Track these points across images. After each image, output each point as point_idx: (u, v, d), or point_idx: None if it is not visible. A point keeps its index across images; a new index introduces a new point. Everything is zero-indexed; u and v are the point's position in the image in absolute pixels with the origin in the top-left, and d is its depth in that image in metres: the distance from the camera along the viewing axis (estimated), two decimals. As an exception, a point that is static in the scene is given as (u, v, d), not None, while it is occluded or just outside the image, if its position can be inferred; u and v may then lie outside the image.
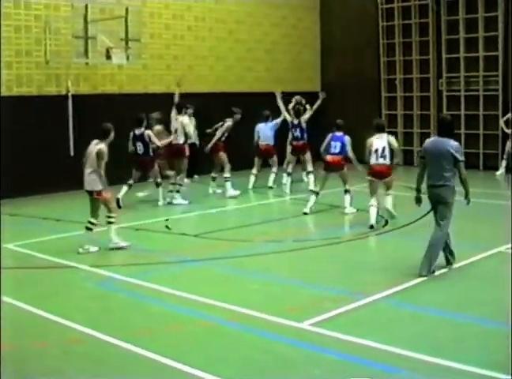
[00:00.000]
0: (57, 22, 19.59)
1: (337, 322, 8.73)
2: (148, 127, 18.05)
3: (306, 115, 19.93)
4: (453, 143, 10.98)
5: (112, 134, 13.38)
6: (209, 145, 19.33)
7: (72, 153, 19.75)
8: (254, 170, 20.30)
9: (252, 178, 20.13)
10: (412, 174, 18.52)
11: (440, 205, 11.10)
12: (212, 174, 19.73)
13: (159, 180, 17.48)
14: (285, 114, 19.91)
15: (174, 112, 18.72)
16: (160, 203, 17.59)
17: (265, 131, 20.21)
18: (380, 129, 15.15)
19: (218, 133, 19.23)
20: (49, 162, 19.31)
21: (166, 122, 19.06)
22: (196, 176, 22.47)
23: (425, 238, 13.33)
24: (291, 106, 20.46)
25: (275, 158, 20.28)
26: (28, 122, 18.88)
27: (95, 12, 19.82)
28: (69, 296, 10.31)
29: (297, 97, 20.90)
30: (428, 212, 15.95)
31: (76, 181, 19.02)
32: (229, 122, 19.26)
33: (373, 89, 26.58)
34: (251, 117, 20.06)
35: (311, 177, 19.11)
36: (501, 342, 7.93)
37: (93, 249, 12.86)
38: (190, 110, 21.92)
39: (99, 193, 12.84)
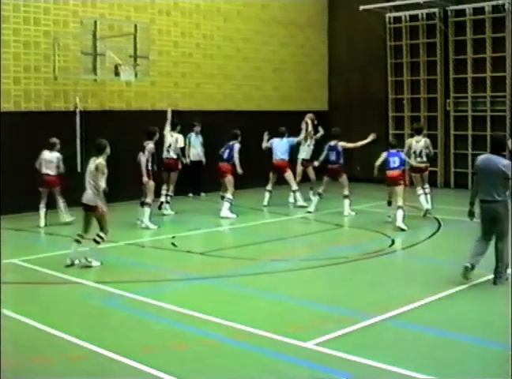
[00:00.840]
0: (66, 38, 19.69)
1: (342, 342, 8.69)
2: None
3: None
4: (504, 161, 11.29)
5: (108, 149, 13.32)
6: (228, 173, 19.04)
7: (79, 169, 19.77)
8: (269, 187, 20.52)
9: (267, 195, 20.33)
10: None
11: (494, 220, 11.42)
12: (221, 193, 19.60)
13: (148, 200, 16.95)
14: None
15: (167, 128, 19.37)
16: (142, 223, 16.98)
17: (279, 146, 20.30)
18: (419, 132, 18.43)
19: (237, 160, 18.88)
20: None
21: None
22: (203, 194, 22.48)
23: (430, 258, 13.37)
24: (304, 126, 20.70)
25: (288, 174, 20.20)
26: (35, 138, 18.91)
27: (104, 28, 19.90)
28: (73, 312, 10.29)
29: (310, 115, 20.86)
30: (434, 234, 16.02)
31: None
32: (238, 145, 19.02)
33: (380, 109, 26.61)
34: (259, 135, 20.06)
35: (347, 201, 18.82)
36: (504, 364, 7.89)
37: (95, 263, 12.86)
38: (198, 128, 22.00)
39: (95, 208, 12.80)
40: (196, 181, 22.22)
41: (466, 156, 24.57)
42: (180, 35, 23.07)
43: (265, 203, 20.31)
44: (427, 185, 18.47)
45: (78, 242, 13.13)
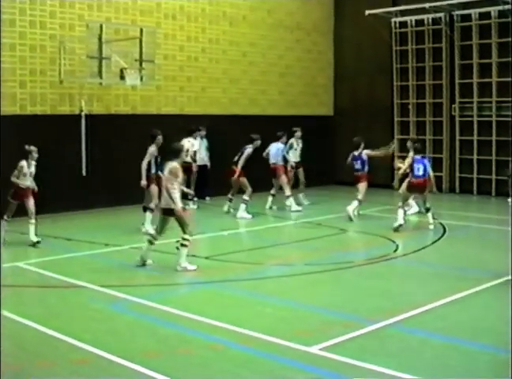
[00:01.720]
0: (71, 42, 19.70)
1: (347, 347, 8.66)
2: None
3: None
4: None
5: (183, 154, 13.63)
6: (236, 175, 19.37)
7: (84, 173, 19.82)
8: (272, 191, 20.84)
9: (269, 199, 20.60)
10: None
11: None
12: (229, 196, 19.82)
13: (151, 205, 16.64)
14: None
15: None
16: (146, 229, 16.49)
17: (272, 150, 20.57)
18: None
19: (241, 162, 19.24)
20: (61, 181, 19.33)
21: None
22: (208, 198, 22.47)
23: (435, 264, 13.34)
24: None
25: (282, 178, 20.31)
26: (41, 141, 18.90)
27: (109, 32, 19.90)
28: (78, 316, 10.27)
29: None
30: (440, 238, 16.00)
31: (88, 201, 19.21)
32: (249, 149, 19.30)
33: (386, 113, 26.60)
34: (264, 140, 20.06)
35: (356, 202, 18.61)
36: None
37: (191, 267, 12.97)
38: (203, 132, 22.00)
39: (174, 211, 12.85)
40: (201, 185, 22.20)
41: (471, 161, 24.54)
42: (186, 40, 23.06)
43: (267, 206, 20.60)
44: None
45: (151, 242, 13.26)
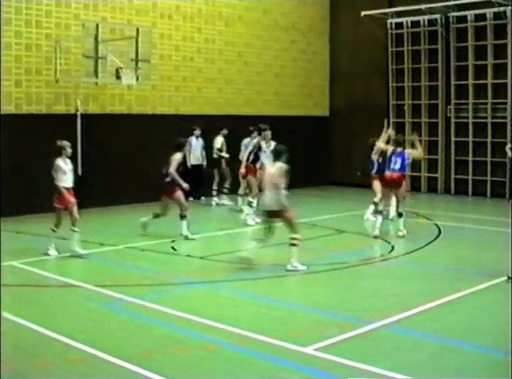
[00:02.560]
0: (67, 41, 19.70)
1: (342, 348, 8.66)
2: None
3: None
4: None
5: (286, 155, 13.38)
6: (241, 169, 19.09)
7: (80, 172, 19.78)
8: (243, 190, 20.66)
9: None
10: (420, 201, 18.60)
11: None
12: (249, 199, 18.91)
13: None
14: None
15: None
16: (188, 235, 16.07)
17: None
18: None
19: (246, 153, 18.97)
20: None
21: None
22: (203, 198, 22.47)
23: (430, 265, 13.36)
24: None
25: (248, 178, 19.35)
26: (36, 141, 18.93)
27: (105, 32, 19.90)
28: (73, 315, 10.26)
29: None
30: (435, 239, 16.02)
31: (84, 201, 19.16)
32: (256, 139, 18.90)
33: (381, 114, 26.54)
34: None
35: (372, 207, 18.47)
36: (506, 371, 7.87)
37: (301, 267, 12.82)
38: (198, 132, 22.02)
39: (279, 212, 12.80)
40: (196, 184, 22.24)
41: (467, 163, 24.59)
42: (181, 39, 23.06)
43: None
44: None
45: (261, 241, 13.30)
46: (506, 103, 23.72)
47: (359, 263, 13.72)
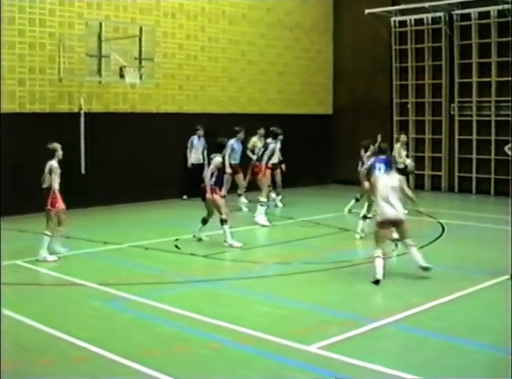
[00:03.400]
0: (71, 40, 19.71)
1: (345, 346, 8.66)
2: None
3: None
4: None
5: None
6: (261, 173, 18.59)
7: (83, 171, 19.81)
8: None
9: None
10: (423, 199, 18.58)
11: None
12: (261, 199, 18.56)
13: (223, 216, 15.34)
14: None
15: None
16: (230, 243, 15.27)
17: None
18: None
19: (264, 158, 18.56)
20: (60, 179, 19.28)
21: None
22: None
23: (434, 263, 13.29)
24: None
25: (238, 176, 19.77)
26: (39, 139, 18.90)
27: (109, 30, 19.92)
28: (76, 314, 10.27)
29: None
30: (438, 237, 16.00)
31: (87, 199, 19.21)
32: (272, 145, 18.63)
33: (385, 113, 26.58)
34: (264, 138, 20.02)
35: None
36: (509, 369, 7.87)
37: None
38: (201, 132, 22.02)
39: (403, 221, 12.49)
40: (197, 184, 22.18)
41: (470, 161, 24.56)
42: (185, 38, 23.06)
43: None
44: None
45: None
46: (509, 101, 23.64)
47: (363, 261, 13.69)
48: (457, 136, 25.09)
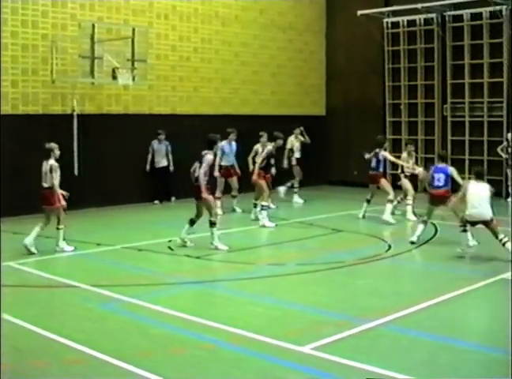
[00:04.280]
0: (64, 41, 19.68)
1: (339, 347, 8.68)
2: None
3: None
4: None
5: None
6: (254, 176, 18.50)
7: (76, 173, 19.79)
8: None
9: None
10: (417, 199, 18.59)
11: None
12: (253, 201, 18.83)
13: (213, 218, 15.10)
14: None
15: None
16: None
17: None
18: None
19: (258, 159, 18.69)
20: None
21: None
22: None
23: (427, 263, 13.39)
24: None
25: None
26: (33, 141, 18.93)
27: (102, 32, 19.89)
28: (70, 316, 10.28)
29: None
30: (431, 238, 16.03)
31: (80, 201, 19.18)
32: (269, 147, 18.58)
33: (378, 114, 26.63)
34: (256, 140, 20.00)
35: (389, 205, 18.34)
36: (503, 369, 7.91)
37: None
38: (162, 136, 21.60)
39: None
40: (162, 188, 22.15)
41: (463, 162, 24.59)
42: (178, 39, 23.06)
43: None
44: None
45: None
46: (502, 102, 23.74)
47: (357, 262, 13.73)
48: (449, 137, 25.12)
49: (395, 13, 25.90)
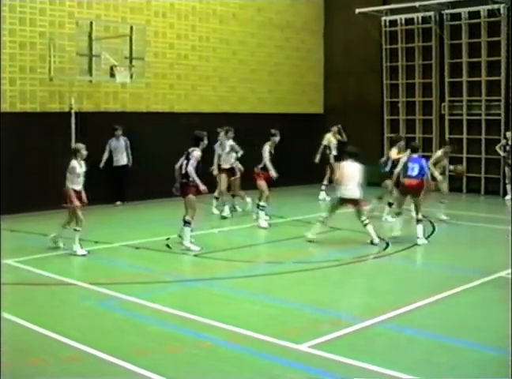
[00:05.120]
0: (61, 39, 19.68)
1: (336, 345, 8.70)
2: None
3: None
4: None
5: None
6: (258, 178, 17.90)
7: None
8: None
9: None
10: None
11: None
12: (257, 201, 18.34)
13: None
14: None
15: None
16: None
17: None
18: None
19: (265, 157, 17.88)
20: (51, 179, 19.25)
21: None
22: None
23: (424, 262, 13.41)
24: None
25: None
26: (30, 139, 18.95)
27: (99, 30, 19.89)
28: (68, 314, 10.29)
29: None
30: (428, 237, 16.04)
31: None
32: (266, 146, 17.83)
33: (376, 112, 26.64)
34: (254, 138, 19.95)
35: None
36: (499, 368, 7.94)
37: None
38: (119, 132, 21.00)
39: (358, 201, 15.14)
40: (122, 186, 21.31)
41: (461, 160, 24.62)
42: (176, 37, 23.07)
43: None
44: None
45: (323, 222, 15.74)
46: (499, 100, 23.78)
47: (354, 260, 13.76)
48: (447, 135, 25.14)
49: (393, 12, 25.92)
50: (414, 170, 15.41)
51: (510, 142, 22.49)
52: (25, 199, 18.70)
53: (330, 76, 28.17)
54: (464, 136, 24.61)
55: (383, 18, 26.19)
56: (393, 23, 26.16)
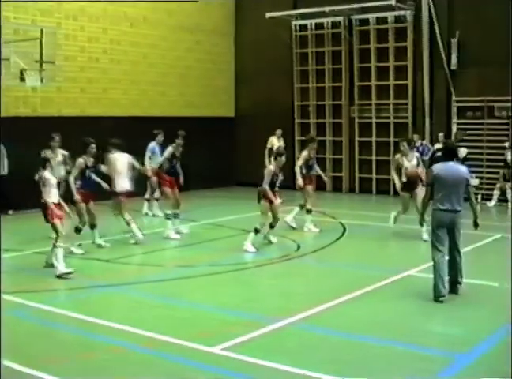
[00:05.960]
0: (-32, 42, 19.30)
1: (249, 346, 8.80)
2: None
3: None
4: (464, 168, 11.22)
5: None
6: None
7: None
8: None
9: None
10: (325, 200, 18.88)
11: (455, 229, 10.96)
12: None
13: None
14: None
15: None
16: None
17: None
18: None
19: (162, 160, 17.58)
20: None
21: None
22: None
23: (335, 262, 13.61)
24: None
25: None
26: None
27: (9, 33, 19.56)
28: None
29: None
30: (339, 238, 16.30)
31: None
32: (170, 148, 17.27)
33: (286, 115, 26.88)
34: (166, 141, 19.88)
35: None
36: (407, 362, 8.18)
37: None
38: None
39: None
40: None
41: (370, 162, 25.10)
42: (87, 40, 22.89)
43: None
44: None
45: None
46: (407, 104, 24.35)
47: (266, 262, 13.90)
48: (357, 138, 25.61)
49: (303, 16, 26.25)
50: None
51: (417, 145, 22.91)
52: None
53: (241, 79, 28.32)
54: (373, 138, 25.08)
55: (293, 23, 26.48)
56: (303, 27, 26.48)
